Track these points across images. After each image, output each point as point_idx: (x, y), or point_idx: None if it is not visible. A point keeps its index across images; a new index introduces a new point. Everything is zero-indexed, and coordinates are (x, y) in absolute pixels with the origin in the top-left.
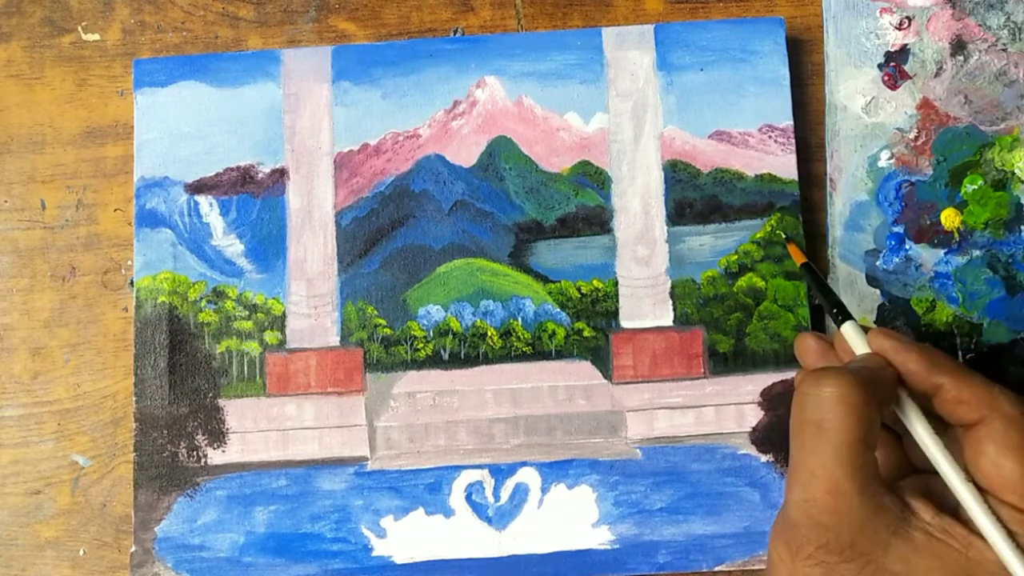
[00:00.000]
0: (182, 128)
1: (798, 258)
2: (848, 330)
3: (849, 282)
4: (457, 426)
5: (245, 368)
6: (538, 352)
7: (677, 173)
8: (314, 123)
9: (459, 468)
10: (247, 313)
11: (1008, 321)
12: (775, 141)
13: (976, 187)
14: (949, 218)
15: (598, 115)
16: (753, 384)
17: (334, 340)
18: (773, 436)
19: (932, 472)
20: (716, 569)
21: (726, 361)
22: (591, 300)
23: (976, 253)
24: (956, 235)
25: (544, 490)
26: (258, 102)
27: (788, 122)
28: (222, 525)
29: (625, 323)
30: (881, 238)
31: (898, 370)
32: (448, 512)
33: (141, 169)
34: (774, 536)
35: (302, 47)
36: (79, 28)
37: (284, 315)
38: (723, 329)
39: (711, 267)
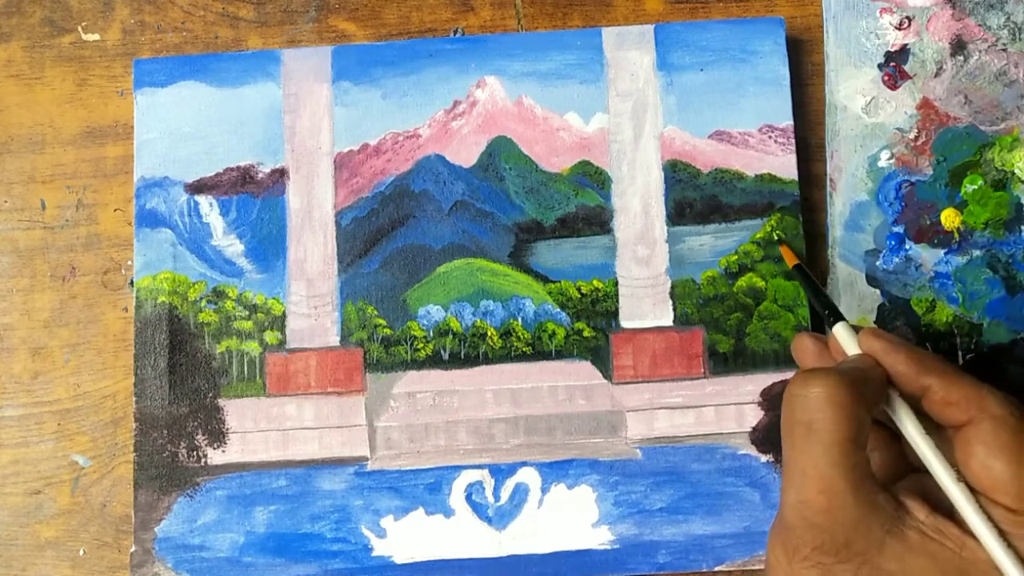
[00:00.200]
0: (182, 128)
1: (790, 260)
2: (839, 331)
3: (849, 282)
4: (457, 426)
5: (245, 368)
6: (538, 352)
7: (677, 173)
8: (314, 123)
9: (459, 468)
10: (247, 313)
11: (1008, 321)
12: (775, 141)
13: (976, 187)
14: (949, 218)
15: (598, 115)
16: (753, 384)
17: (334, 340)
18: (773, 436)
19: (928, 472)
20: (716, 569)
21: (726, 361)
22: (591, 300)
23: (976, 253)
24: (956, 235)
25: (544, 490)
26: (258, 102)
27: (788, 122)
28: (222, 525)
29: (625, 323)
30: (881, 238)
31: (887, 371)
32: (448, 512)
33: (141, 169)
34: (771, 538)
35: (302, 47)
36: (79, 28)
37: (284, 315)
38: (723, 329)
39: (711, 267)
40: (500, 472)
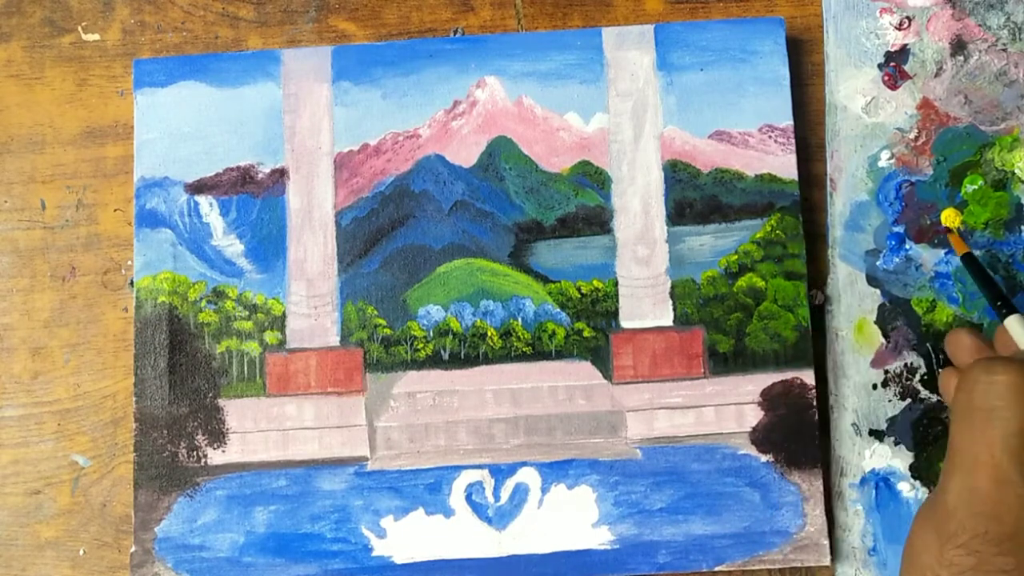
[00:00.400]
0: (182, 128)
1: (960, 249)
2: (1013, 324)
3: (849, 282)
4: (457, 426)
5: (245, 368)
6: (538, 352)
7: (677, 173)
8: (314, 123)
9: (459, 468)
10: (247, 313)
11: None
12: (775, 141)
13: (976, 187)
14: (949, 218)
15: (598, 115)
16: (753, 384)
17: (334, 340)
18: (773, 436)
19: None
20: (716, 569)
21: (726, 361)
22: (591, 300)
23: (976, 253)
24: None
25: (544, 490)
26: (258, 102)
27: (788, 122)
28: (222, 525)
29: (625, 323)
30: (881, 238)
31: None
32: (448, 512)
33: (141, 169)
34: (921, 522)
35: (302, 47)
36: (79, 28)
37: (284, 315)
38: (723, 329)
39: (711, 267)
40: (500, 472)
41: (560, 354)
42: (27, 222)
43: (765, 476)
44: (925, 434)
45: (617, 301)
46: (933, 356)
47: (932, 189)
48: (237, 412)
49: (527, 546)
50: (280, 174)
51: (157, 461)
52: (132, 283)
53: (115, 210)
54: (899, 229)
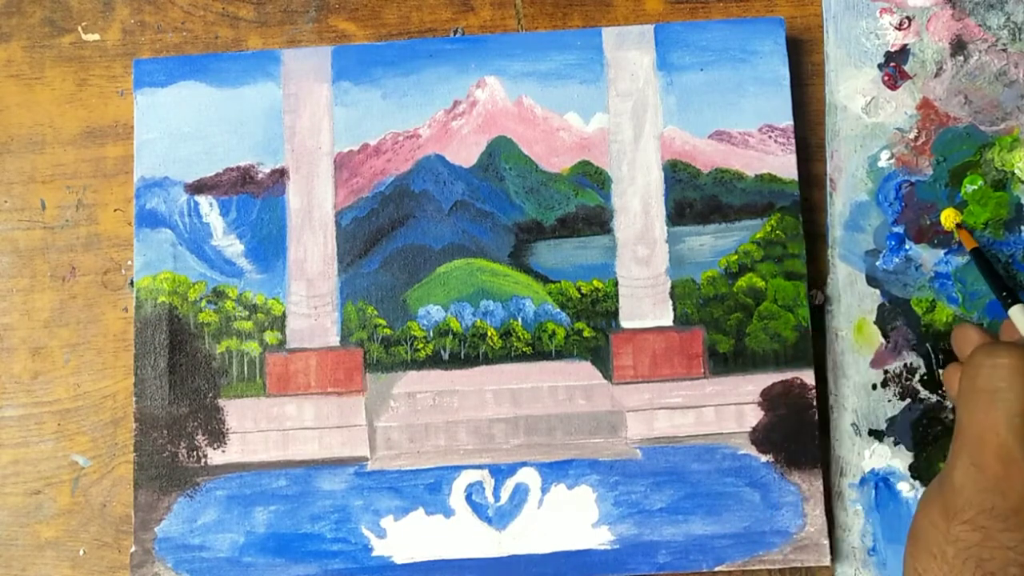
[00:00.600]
0: (182, 128)
1: (968, 244)
2: (1016, 313)
3: (849, 282)
4: (457, 426)
5: (245, 368)
6: (538, 352)
7: (677, 173)
8: (314, 123)
9: (459, 468)
10: (247, 313)
11: None
12: (775, 141)
13: (976, 187)
14: (949, 218)
15: (598, 115)
16: (753, 384)
17: (334, 340)
18: (773, 436)
19: None
20: (716, 569)
21: (726, 361)
22: (591, 300)
23: None
24: (956, 235)
25: (544, 490)
26: (258, 102)
27: (788, 122)
28: (222, 525)
29: (625, 323)
30: (881, 238)
31: None
32: (448, 512)
33: (141, 169)
34: (927, 502)
35: (302, 47)
36: (79, 28)
37: (284, 315)
38: (723, 329)
39: (711, 267)
40: (500, 472)
41: (560, 354)
42: (27, 222)
43: (765, 476)
44: (925, 434)
45: (617, 301)
46: (933, 356)
47: (932, 189)
48: (237, 412)
49: (527, 546)
50: (280, 174)
51: (157, 461)
52: (132, 283)
53: (115, 210)
54: (899, 229)
